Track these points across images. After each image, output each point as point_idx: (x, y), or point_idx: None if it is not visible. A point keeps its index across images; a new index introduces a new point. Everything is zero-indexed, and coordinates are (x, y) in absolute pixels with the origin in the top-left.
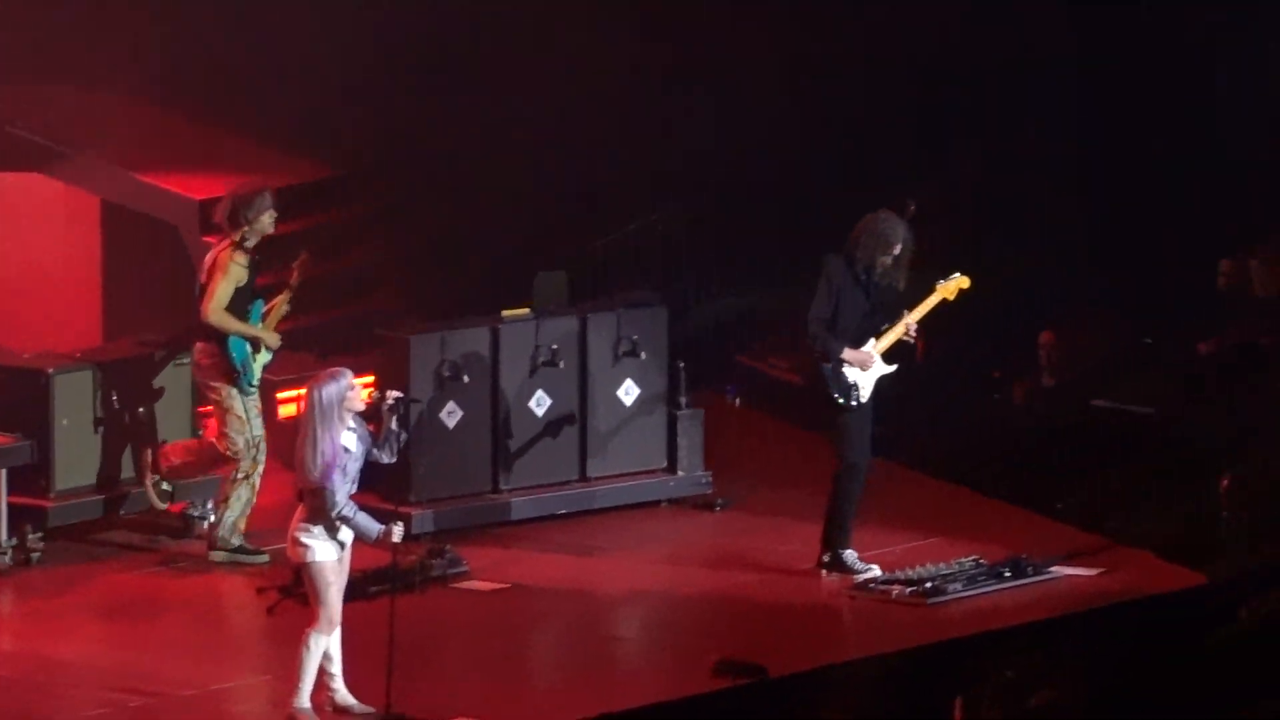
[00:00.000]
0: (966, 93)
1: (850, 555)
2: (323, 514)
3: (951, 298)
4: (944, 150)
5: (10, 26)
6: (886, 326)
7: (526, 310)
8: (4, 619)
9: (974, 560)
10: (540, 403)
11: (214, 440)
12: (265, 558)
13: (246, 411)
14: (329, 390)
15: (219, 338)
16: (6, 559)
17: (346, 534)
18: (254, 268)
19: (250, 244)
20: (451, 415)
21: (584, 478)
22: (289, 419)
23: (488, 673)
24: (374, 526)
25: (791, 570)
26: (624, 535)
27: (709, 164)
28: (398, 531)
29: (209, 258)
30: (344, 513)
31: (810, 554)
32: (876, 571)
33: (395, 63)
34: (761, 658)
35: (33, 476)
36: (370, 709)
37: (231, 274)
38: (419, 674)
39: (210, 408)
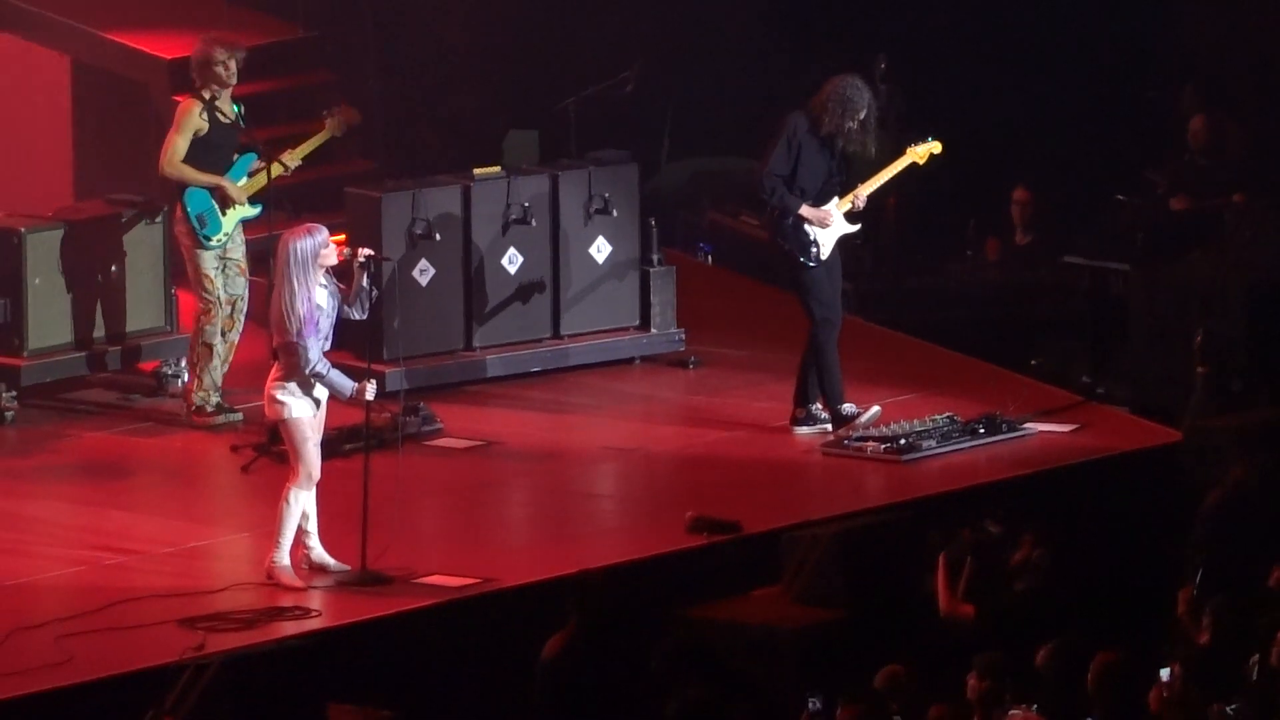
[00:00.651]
0: None
1: (849, 408)
2: (297, 371)
3: (922, 163)
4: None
5: None
6: (853, 186)
7: (498, 169)
8: None
9: (948, 417)
10: (512, 260)
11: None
12: (239, 416)
13: (210, 267)
14: (303, 245)
15: (180, 192)
16: None
17: (321, 391)
18: (220, 121)
19: (210, 96)
20: (424, 273)
21: (557, 335)
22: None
23: (463, 530)
24: (348, 384)
25: (765, 427)
26: (597, 393)
27: (686, 22)
28: (371, 389)
29: None
30: (318, 369)
31: (784, 411)
32: (877, 410)
33: None
34: (736, 514)
35: (6, 336)
36: (346, 566)
37: (185, 125)
38: (394, 532)
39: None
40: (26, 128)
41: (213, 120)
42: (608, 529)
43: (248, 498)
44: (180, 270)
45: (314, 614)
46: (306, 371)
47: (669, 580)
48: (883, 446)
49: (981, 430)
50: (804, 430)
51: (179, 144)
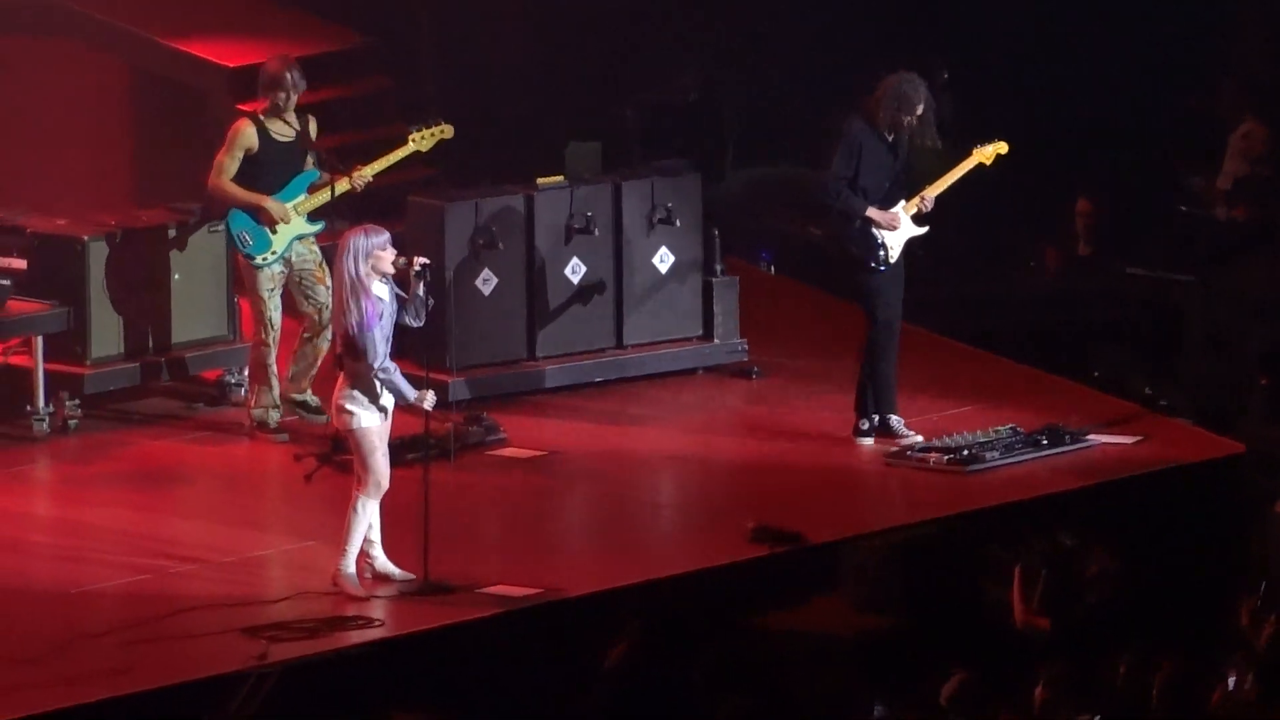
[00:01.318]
0: None
1: (895, 421)
2: (364, 378)
3: (989, 163)
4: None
5: None
6: (916, 188)
7: (561, 178)
8: (41, 486)
9: (1010, 428)
10: (575, 270)
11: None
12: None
13: (264, 289)
14: (360, 242)
15: (226, 210)
16: (44, 426)
17: (388, 399)
18: (275, 139)
19: (268, 113)
20: (486, 283)
21: (619, 345)
22: None
23: (525, 540)
24: (410, 389)
25: (828, 437)
26: (660, 403)
27: (749, 30)
28: (430, 399)
29: None
30: (385, 364)
31: (846, 422)
32: (918, 439)
33: None
34: (798, 525)
35: (68, 344)
36: (409, 575)
37: (235, 144)
38: (456, 541)
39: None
40: (87, 135)
41: (264, 139)
42: (669, 539)
43: (310, 507)
44: (240, 280)
45: (377, 623)
46: (375, 365)
47: (731, 590)
48: (946, 458)
49: (1044, 441)
50: (867, 441)
51: (226, 163)
